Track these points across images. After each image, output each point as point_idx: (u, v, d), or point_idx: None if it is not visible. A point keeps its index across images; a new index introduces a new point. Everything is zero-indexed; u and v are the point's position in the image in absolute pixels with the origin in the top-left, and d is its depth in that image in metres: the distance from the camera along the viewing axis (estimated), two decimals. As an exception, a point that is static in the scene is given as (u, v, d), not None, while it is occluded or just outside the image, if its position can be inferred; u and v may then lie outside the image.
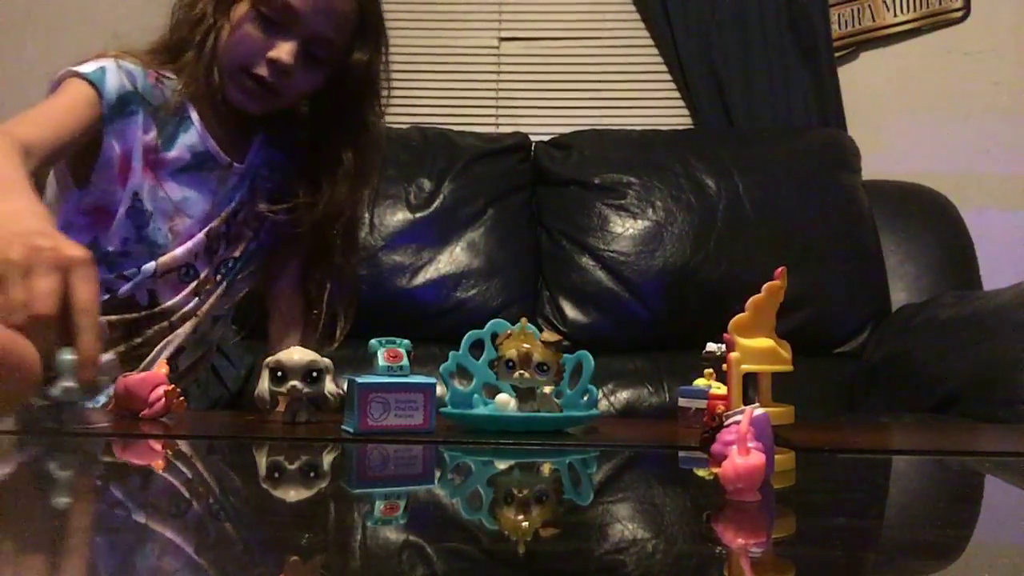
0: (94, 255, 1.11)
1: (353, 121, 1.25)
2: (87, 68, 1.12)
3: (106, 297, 1.15)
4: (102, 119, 1.12)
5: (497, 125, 2.34)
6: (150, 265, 1.17)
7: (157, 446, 0.78)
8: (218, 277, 1.23)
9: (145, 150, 1.16)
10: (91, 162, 1.13)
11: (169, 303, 1.19)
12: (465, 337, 0.88)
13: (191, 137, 1.19)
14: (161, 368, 0.92)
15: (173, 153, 1.18)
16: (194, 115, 1.19)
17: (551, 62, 2.37)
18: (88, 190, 1.15)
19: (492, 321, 0.89)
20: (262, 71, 1.14)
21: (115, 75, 1.13)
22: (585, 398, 0.89)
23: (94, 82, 1.11)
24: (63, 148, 1.08)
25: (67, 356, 0.71)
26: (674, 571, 0.45)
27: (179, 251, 1.19)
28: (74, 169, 1.16)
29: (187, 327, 1.21)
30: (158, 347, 1.19)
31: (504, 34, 2.39)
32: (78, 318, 0.72)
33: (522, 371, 0.83)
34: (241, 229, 1.25)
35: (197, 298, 1.21)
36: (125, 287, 1.16)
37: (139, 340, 1.18)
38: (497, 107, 2.37)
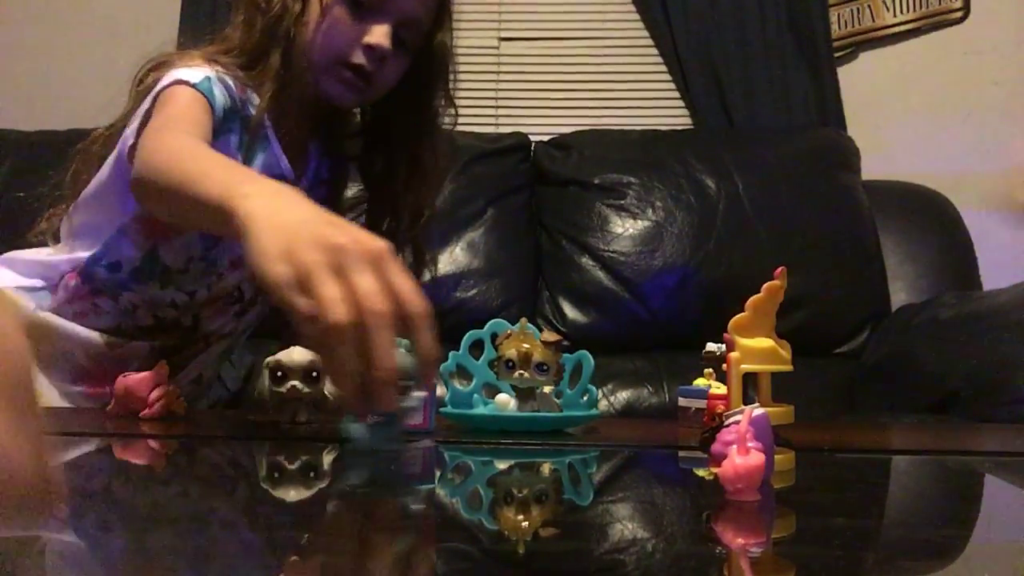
0: (154, 268, 1.09)
1: (428, 111, 1.18)
2: (194, 76, 1.02)
3: (150, 323, 1.10)
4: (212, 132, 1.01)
5: (497, 125, 2.34)
6: (203, 294, 1.10)
7: (157, 446, 0.78)
8: (260, 297, 1.16)
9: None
10: None
11: (212, 327, 1.14)
12: (465, 337, 0.88)
13: (268, 156, 1.10)
14: (161, 368, 0.92)
15: (252, 168, 1.07)
16: (271, 132, 1.10)
17: (551, 62, 2.37)
18: None
19: (492, 321, 0.89)
20: (359, 59, 1.06)
21: (219, 88, 1.04)
22: (585, 398, 0.89)
23: (204, 93, 1.01)
24: None
25: (406, 360, 0.66)
26: (674, 571, 0.45)
27: (232, 277, 1.12)
28: None
29: (221, 345, 1.17)
30: (190, 366, 1.15)
31: (504, 34, 2.39)
32: (412, 315, 0.65)
33: (522, 371, 0.83)
34: None
35: (237, 319, 1.16)
36: (171, 314, 1.10)
37: (175, 358, 1.10)
38: (497, 107, 2.37)
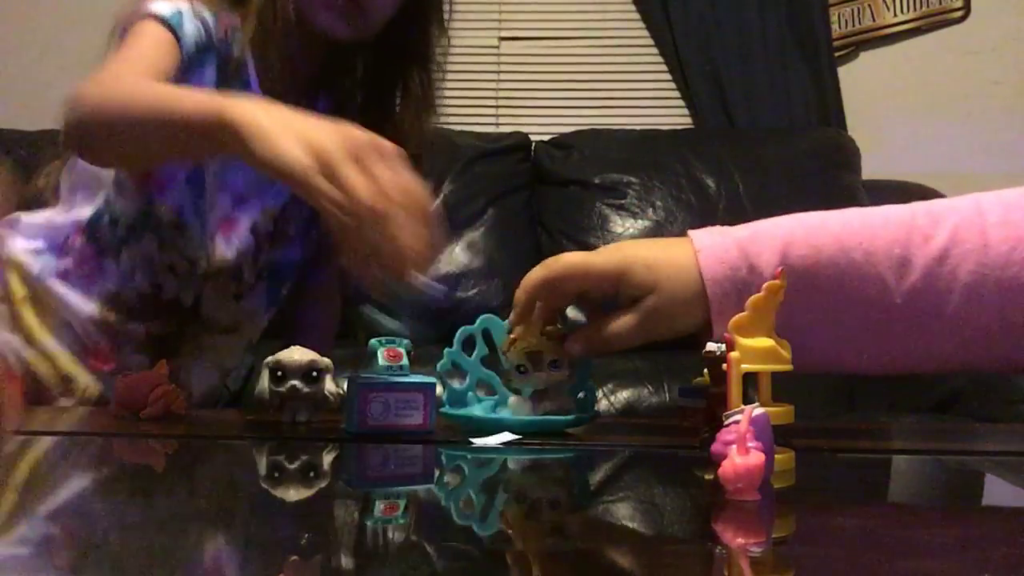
0: (148, 221, 1.06)
1: (420, 38, 1.14)
2: (163, 9, 0.98)
3: (148, 292, 1.08)
4: (178, 70, 0.98)
5: (497, 125, 2.34)
6: (203, 264, 1.08)
7: (156, 446, 0.78)
8: (257, 281, 1.15)
9: None
10: None
11: (212, 312, 1.12)
12: (457, 333, 0.86)
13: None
14: (161, 368, 0.91)
15: None
16: (252, 74, 1.06)
17: (551, 62, 2.37)
18: None
19: (483, 316, 0.88)
20: None
21: (191, 21, 0.99)
22: (582, 395, 0.88)
23: (173, 27, 0.98)
24: None
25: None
26: (674, 571, 0.45)
27: (230, 253, 1.10)
28: None
29: (233, 339, 1.15)
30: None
31: (504, 34, 2.39)
32: (423, 210, 0.72)
33: (538, 372, 0.80)
34: (286, 228, 1.15)
35: (236, 302, 1.14)
36: (172, 285, 1.09)
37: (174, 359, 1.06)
38: (497, 107, 2.37)
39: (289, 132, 0.72)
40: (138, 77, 0.93)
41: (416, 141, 1.12)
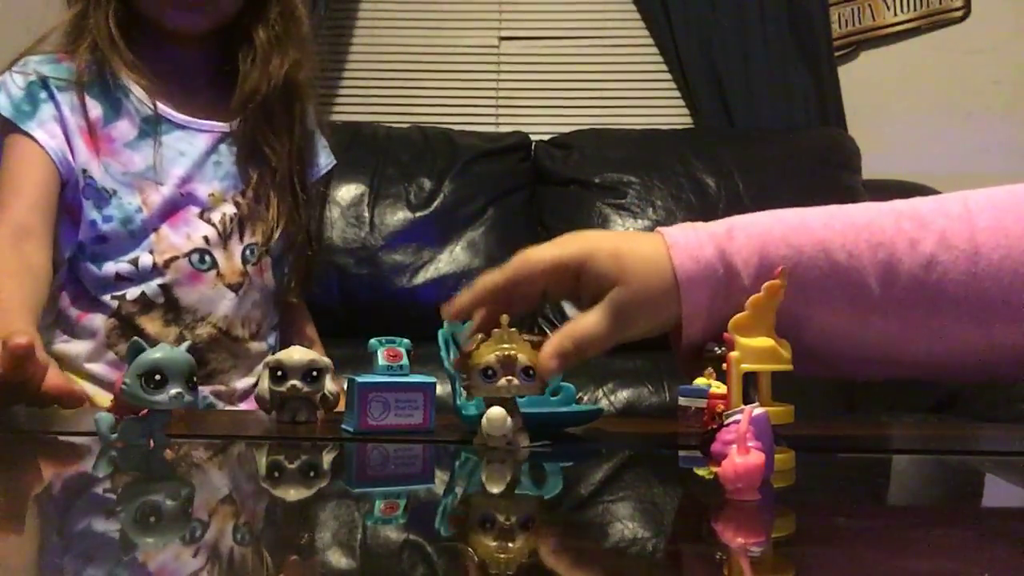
0: (79, 255, 1.14)
1: None
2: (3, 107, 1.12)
3: (115, 304, 1.13)
4: (10, 125, 1.11)
5: (497, 124, 2.34)
6: (147, 258, 1.14)
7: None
8: (248, 268, 1.19)
9: (90, 127, 1.13)
10: None
11: (193, 300, 1.15)
12: (440, 339, 0.84)
13: (136, 102, 1.16)
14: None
15: (119, 123, 1.15)
16: (127, 78, 1.15)
17: (551, 62, 2.37)
18: None
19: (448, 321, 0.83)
20: None
21: (9, 83, 1.13)
22: (559, 396, 0.86)
23: (14, 120, 1.11)
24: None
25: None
26: (674, 571, 0.45)
27: (176, 238, 1.15)
28: None
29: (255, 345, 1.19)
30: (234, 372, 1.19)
31: (504, 33, 2.39)
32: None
33: (508, 377, 0.68)
34: (256, 209, 1.20)
35: (235, 295, 1.17)
36: (133, 290, 1.14)
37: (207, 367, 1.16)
38: (497, 107, 2.37)
39: None
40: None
41: (279, 80, 1.18)
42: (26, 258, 1.05)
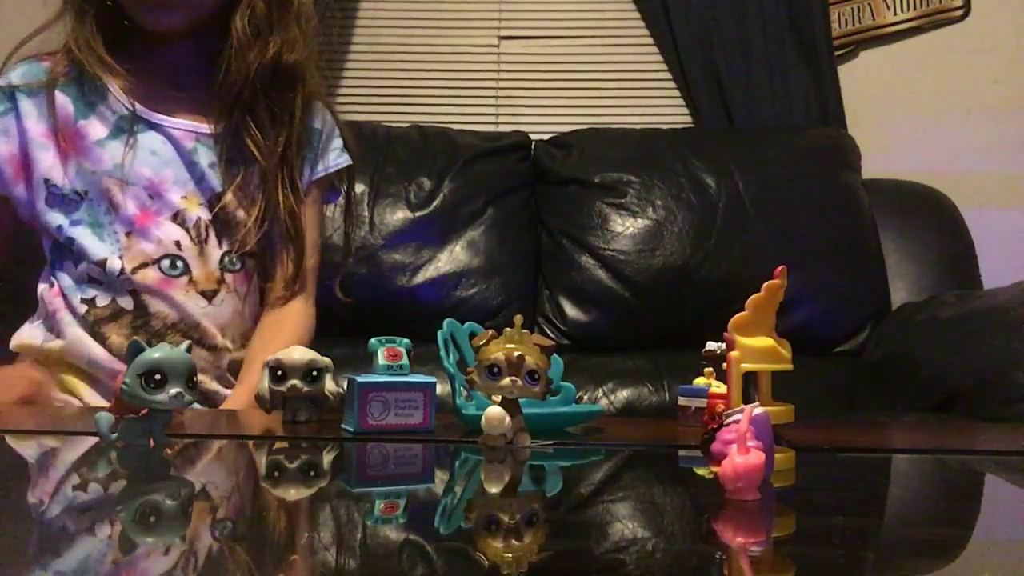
0: (56, 255, 1.16)
1: None
2: None
3: (83, 308, 1.12)
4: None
5: (497, 124, 2.34)
6: (115, 263, 1.12)
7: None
8: (227, 275, 1.16)
9: (60, 127, 1.13)
10: None
11: (162, 306, 1.13)
12: (439, 338, 0.84)
13: (113, 102, 1.16)
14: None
15: (90, 120, 1.15)
16: (108, 77, 1.15)
17: (551, 61, 2.37)
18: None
19: (448, 320, 0.85)
20: None
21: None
22: (559, 396, 0.86)
23: None
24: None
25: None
26: (674, 571, 0.45)
27: (146, 243, 1.13)
28: None
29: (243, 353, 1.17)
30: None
31: (504, 33, 2.39)
32: None
33: (513, 377, 0.69)
34: (237, 213, 1.17)
35: (209, 304, 1.15)
36: (103, 296, 1.13)
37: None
38: (497, 106, 2.37)
39: None
40: None
41: (263, 58, 1.15)
42: None
